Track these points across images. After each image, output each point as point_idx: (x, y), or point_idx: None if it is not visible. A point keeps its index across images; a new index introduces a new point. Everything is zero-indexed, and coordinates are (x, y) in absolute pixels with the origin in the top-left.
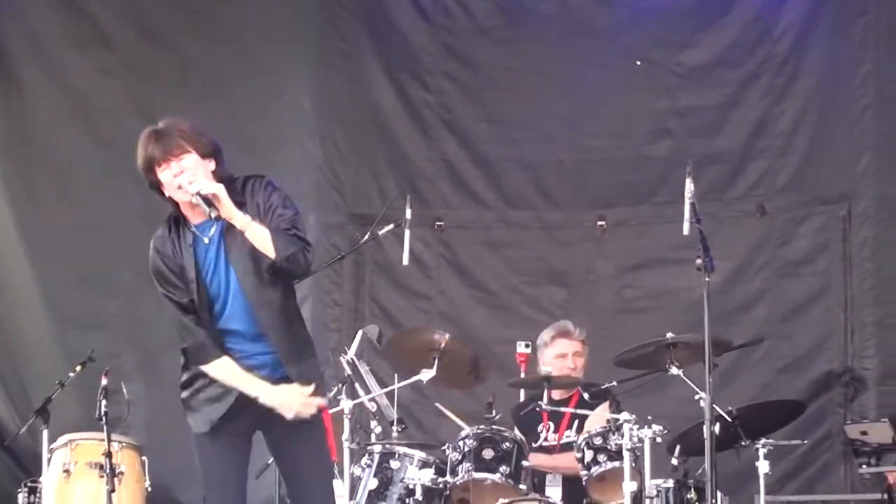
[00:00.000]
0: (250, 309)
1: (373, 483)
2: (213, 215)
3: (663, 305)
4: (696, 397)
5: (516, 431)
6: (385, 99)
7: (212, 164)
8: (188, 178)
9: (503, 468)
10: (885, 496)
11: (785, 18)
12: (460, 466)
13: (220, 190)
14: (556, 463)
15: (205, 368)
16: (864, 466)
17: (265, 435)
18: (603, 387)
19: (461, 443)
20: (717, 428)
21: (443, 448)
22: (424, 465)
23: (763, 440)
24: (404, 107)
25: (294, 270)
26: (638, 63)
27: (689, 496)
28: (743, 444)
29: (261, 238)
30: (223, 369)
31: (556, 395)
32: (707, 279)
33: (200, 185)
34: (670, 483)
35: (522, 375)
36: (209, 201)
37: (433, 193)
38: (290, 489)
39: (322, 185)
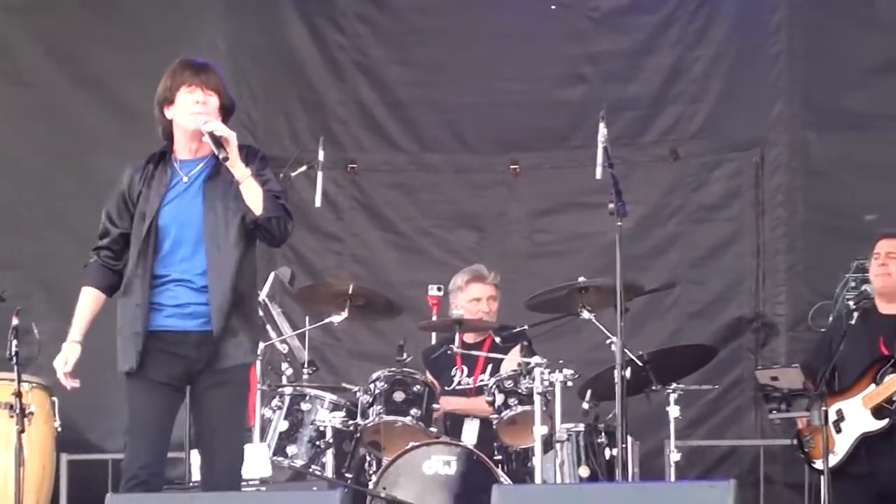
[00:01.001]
0: (206, 258)
1: (283, 425)
2: (221, 156)
3: (575, 249)
4: (608, 342)
5: (428, 375)
6: (299, 41)
7: (220, 119)
8: (208, 112)
9: (414, 411)
10: (796, 441)
11: None
12: (371, 409)
13: (232, 136)
14: (468, 406)
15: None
16: (774, 412)
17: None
18: (515, 330)
19: (372, 385)
20: (627, 372)
21: (354, 390)
22: (335, 407)
23: (674, 385)
24: (318, 49)
25: (272, 233)
26: (553, 7)
27: (599, 440)
28: (654, 388)
29: (254, 193)
30: (81, 300)
31: (469, 338)
32: (619, 224)
33: (216, 125)
34: (581, 427)
35: (434, 318)
36: (218, 142)
37: (346, 136)
38: (199, 443)
39: (236, 127)
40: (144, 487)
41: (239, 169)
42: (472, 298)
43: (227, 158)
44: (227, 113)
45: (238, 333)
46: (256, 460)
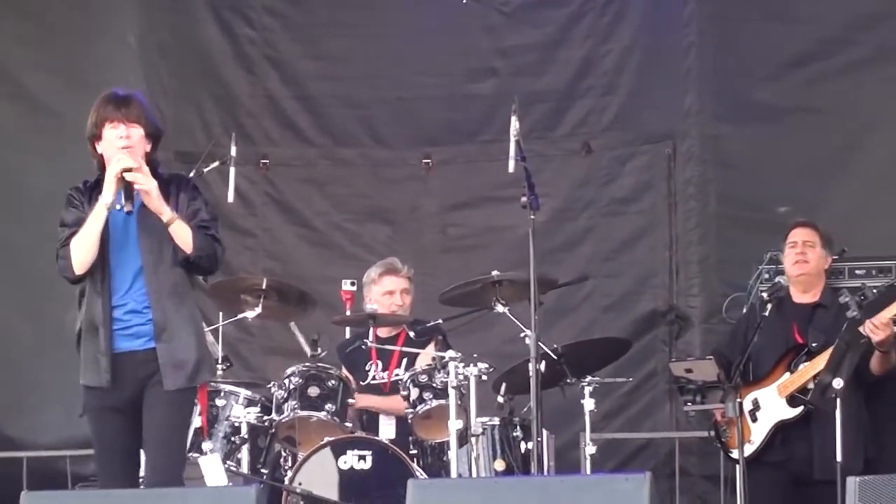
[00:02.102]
0: (146, 284)
1: (198, 421)
2: (126, 209)
3: (489, 243)
4: (522, 335)
5: (343, 369)
6: (209, 36)
7: (149, 146)
8: (132, 146)
9: (329, 406)
10: (712, 432)
11: None
12: (286, 404)
13: (153, 187)
14: (383, 405)
15: (71, 250)
16: (688, 404)
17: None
18: (429, 325)
19: (286, 381)
20: (542, 366)
21: (268, 386)
22: (250, 403)
23: (588, 378)
24: (229, 43)
25: (203, 268)
26: (464, 2)
27: (514, 434)
28: (568, 381)
29: (183, 234)
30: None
31: (383, 333)
32: (532, 217)
33: (137, 177)
34: (496, 421)
35: (348, 313)
36: (129, 191)
37: (258, 131)
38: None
39: None
40: None
41: (165, 214)
42: (385, 291)
43: (129, 211)
44: (154, 140)
45: (183, 353)
46: (213, 471)
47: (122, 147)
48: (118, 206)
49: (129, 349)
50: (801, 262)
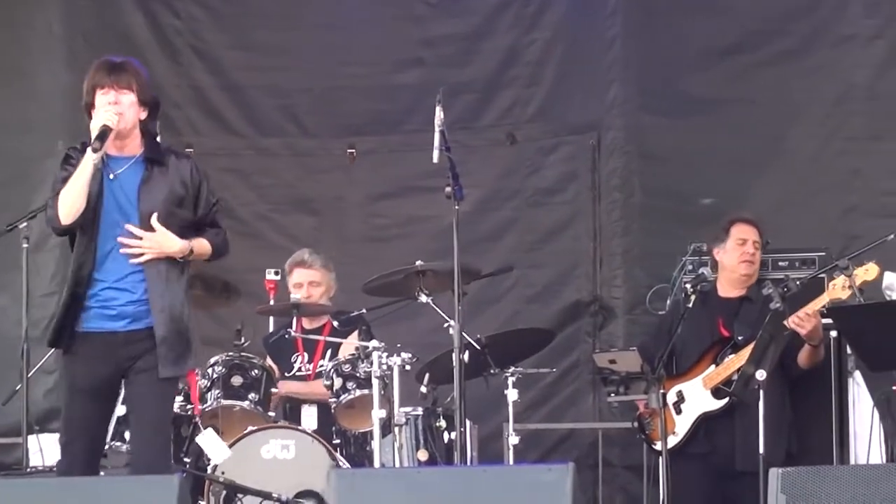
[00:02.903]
0: (145, 265)
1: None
2: (94, 147)
3: (413, 233)
4: (446, 325)
5: (267, 359)
6: (135, 25)
7: (143, 114)
8: (121, 112)
9: (252, 395)
10: (636, 423)
11: None
12: (209, 393)
13: (178, 245)
14: (306, 390)
15: (59, 199)
16: (612, 395)
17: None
18: (352, 314)
19: (210, 370)
20: (466, 356)
21: None
22: None
23: (512, 368)
24: (154, 33)
25: (219, 259)
26: None
27: (437, 424)
28: (492, 372)
29: (203, 252)
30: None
31: (308, 323)
32: (456, 207)
33: (111, 119)
34: (419, 411)
35: (272, 303)
36: (103, 138)
37: (183, 120)
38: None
39: (71, 112)
40: None
41: (180, 252)
42: (295, 283)
43: (97, 150)
44: (150, 109)
45: (177, 339)
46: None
47: (110, 111)
48: (111, 176)
49: (110, 329)
50: (750, 263)
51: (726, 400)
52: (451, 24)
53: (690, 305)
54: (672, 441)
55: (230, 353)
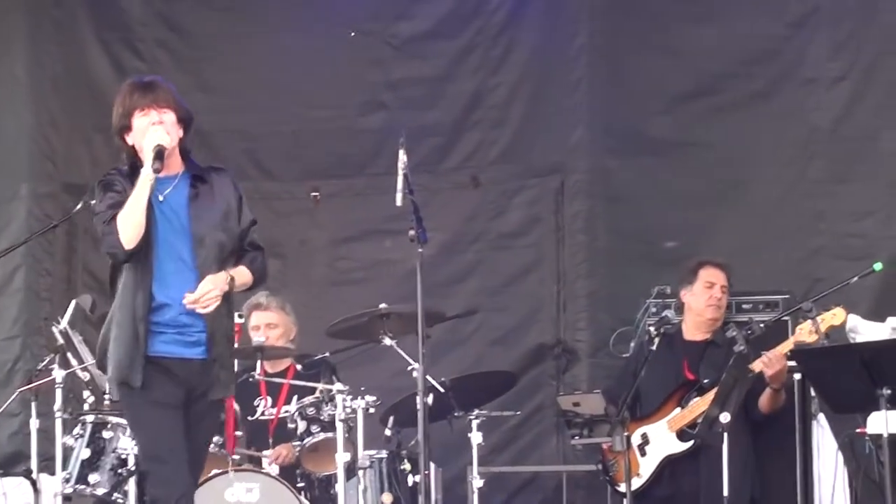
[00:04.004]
0: (197, 279)
1: (85, 453)
2: (154, 167)
3: (377, 276)
4: (409, 368)
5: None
6: (99, 68)
7: (181, 132)
8: (167, 130)
9: (216, 438)
10: (600, 466)
11: None
12: None
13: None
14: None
15: (118, 224)
16: (576, 438)
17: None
18: (316, 357)
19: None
20: (430, 399)
21: None
22: None
23: (476, 411)
24: (118, 76)
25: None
26: (352, 35)
27: (402, 467)
28: (456, 415)
29: (245, 280)
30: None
31: (271, 367)
32: (420, 250)
33: (164, 139)
34: (384, 454)
35: (235, 346)
36: (161, 157)
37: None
38: None
39: (35, 155)
40: None
41: (224, 285)
42: (252, 326)
43: (158, 170)
44: (185, 126)
45: (229, 361)
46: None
47: (158, 130)
48: (160, 198)
49: (186, 357)
50: (717, 307)
51: (691, 443)
52: (414, 66)
53: (654, 348)
54: (636, 483)
55: None
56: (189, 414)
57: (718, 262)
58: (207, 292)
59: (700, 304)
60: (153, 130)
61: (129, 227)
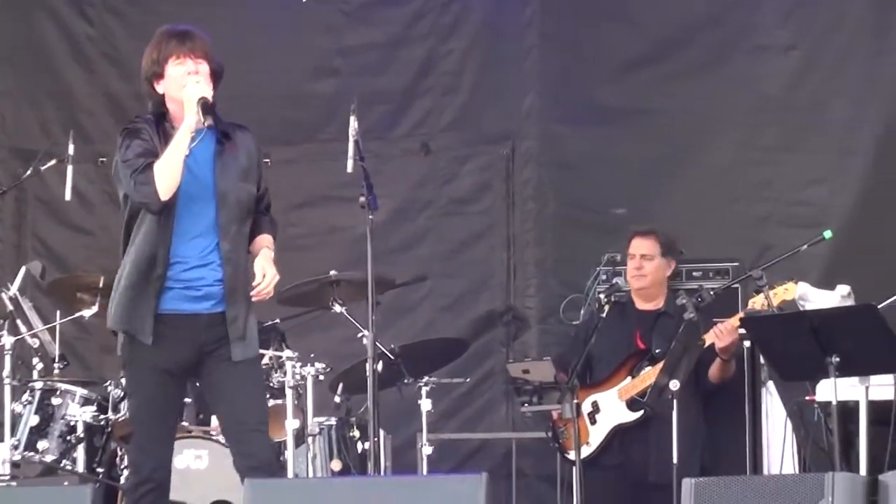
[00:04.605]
0: (218, 236)
1: (34, 420)
2: (206, 123)
3: (327, 243)
4: (359, 335)
5: None
6: (47, 33)
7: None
8: (201, 79)
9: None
10: (550, 433)
11: None
12: (122, 403)
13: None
14: None
15: (155, 174)
16: (525, 405)
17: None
18: (265, 324)
19: (124, 379)
20: (380, 366)
21: (105, 385)
22: (86, 401)
23: (426, 378)
24: (67, 41)
25: None
26: (304, 0)
27: (351, 434)
28: (406, 382)
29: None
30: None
31: None
32: (371, 217)
33: (207, 92)
34: (333, 421)
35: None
36: (207, 110)
37: (96, 129)
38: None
39: None
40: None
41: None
42: None
43: (211, 126)
44: (217, 75)
45: (248, 318)
46: None
47: (194, 80)
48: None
49: (192, 311)
50: (639, 277)
51: (641, 412)
52: (366, 32)
53: (605, 315)
54: (586, 451)
55: None
56: (205, 374)
57: (643, 231)
58: (272, 276)
59: (628, 276)
60: (194, 82)
61: (168, 177)
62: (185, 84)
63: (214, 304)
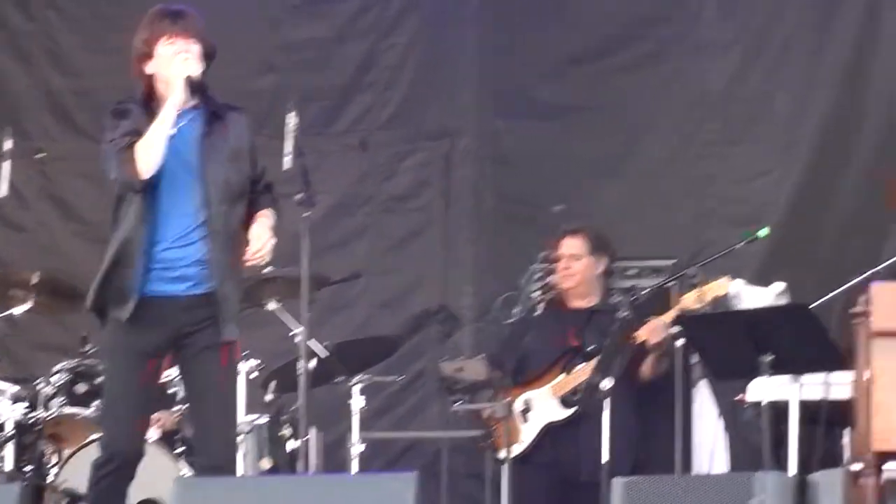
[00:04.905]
0: (203, 217)
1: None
2: (190, 104)
3: None
4: (293, 333)
5: None
6: None
7: (203, 66)
8: (189, 57)
9: (96, 403)
10: (482, 432)
11: None
12: (53, 401)
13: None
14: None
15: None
16: (458, 403)
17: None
18: None
19: (54, 377)
20: (312, 364)
21: (35, 382)
22: (16, 399)
23: (359, 376)
24: (5, 35)
25: None
26: None
27: (281, 432)
28: (339, 379)
29: (274, 223)
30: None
31: None
32: (308, 213)
33: (195, 69)
34: (264, 419)
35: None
36: (194, 88)
37: (34, 124)
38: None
39: None
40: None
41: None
42: None
43: (196, 106)
44: (208, 57)
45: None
46: None
47: (183, 59)
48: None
49: (170, 293)
50: (567, 276)
51: (574, 409)
52: (307, 28)
53: (539, 313)
54: (517, 449)
55: (75, 361)
56: (186, 357)
57: (572, 229)
58: (267, 240)
59: (558, 276)
60: (182, 59)
61: (149, 154)
62: (176, 62)
63: (192, 285)
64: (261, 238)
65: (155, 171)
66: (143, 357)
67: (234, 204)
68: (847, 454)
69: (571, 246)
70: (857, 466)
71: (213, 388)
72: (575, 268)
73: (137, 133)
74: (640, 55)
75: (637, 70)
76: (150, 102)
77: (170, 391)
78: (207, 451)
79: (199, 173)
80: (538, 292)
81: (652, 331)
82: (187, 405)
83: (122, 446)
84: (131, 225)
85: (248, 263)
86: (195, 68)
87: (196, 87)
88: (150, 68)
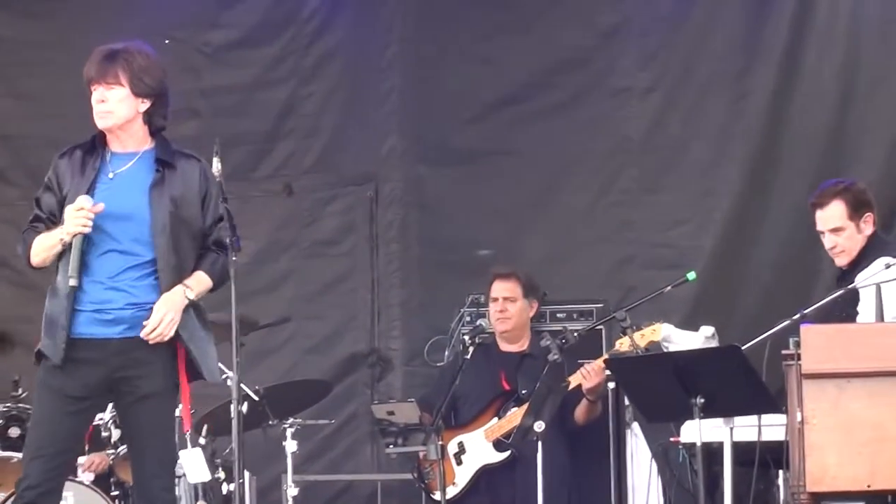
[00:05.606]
0: (136, 261)
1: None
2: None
3: None
4: (224, 377)
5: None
6: None
7: (145, 105)
8: (106, 114)
9: None
10: (415, 474)
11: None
12: None
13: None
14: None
15: (32, 247)
16: (390, 446)
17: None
18: None
19: None
20: (244, 407)
21: None
22: None
23: (291, 420)
24: None
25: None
26: (166, 42)
27: (216, 476)
28: (270, 423)
29: (205, 290)
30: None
31: None
32: (234, 258)
33: (80, 230)
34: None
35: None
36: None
37: None
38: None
39: None
40: None
41: (185, 301)
42: None
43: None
44: (148, 95)
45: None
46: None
47: (98, 112)
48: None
49: (103, 336)
50: (504, 319)
51: (508, 452)
52: (227, 74)
53: (469, 357)
54: (452, 492)
55: (7, 405)
56: (119, 405)
57: (501, 272)
58: (163, 316)
59: (492, 319)
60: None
61: (39, 256)
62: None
63: (126, 328)
64: (157, 313)
65: (44, 267)
66: (73, 400)
67: (174, 251)
68: (782, 495)
69: (505, 289)
70: None
71: (152, 433)
72: (510, 311)
73: (50, 219)
74: (559, 100)
75: (557, 115)
76: (95, 148)
77: (104, 434)
78: (147, 498)
79: (136, 217)
80: (468, 336)
81: (587, 375)
82: (124, 448)
83: (30, 485)
84: (67, 266)
85: (151, 342)
86: (80, 229)
87: (153, 130)
88: None
